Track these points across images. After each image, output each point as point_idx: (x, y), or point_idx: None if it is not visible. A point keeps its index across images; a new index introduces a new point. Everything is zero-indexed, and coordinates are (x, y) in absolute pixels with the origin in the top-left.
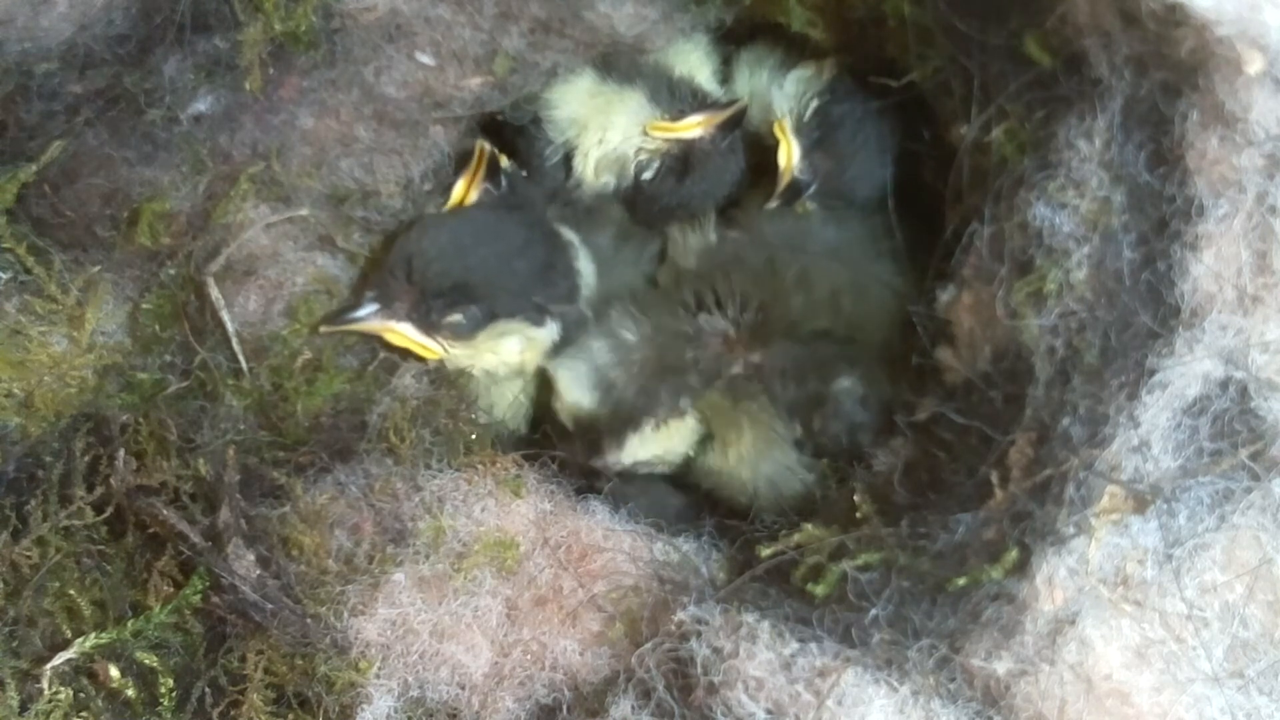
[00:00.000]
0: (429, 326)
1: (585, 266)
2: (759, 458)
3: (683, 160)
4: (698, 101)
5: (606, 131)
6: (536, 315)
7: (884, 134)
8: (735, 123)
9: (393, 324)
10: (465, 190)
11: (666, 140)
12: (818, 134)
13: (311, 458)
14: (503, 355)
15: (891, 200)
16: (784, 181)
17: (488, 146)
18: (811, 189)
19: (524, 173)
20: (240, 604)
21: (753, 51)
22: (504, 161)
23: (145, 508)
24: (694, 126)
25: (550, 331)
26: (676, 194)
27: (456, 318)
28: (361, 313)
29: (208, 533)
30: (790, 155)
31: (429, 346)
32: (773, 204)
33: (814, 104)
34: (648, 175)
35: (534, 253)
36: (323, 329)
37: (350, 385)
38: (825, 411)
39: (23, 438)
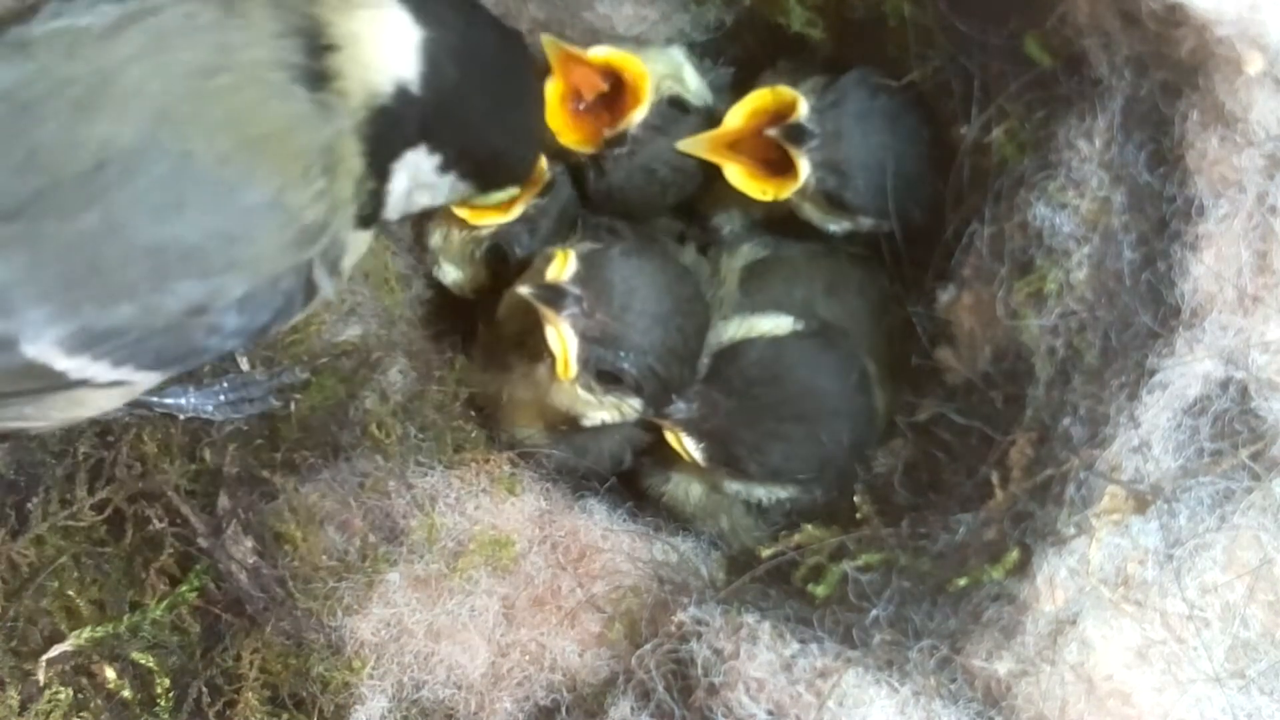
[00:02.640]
0: (586, 365)
1: None
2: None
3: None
4: None
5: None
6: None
7: (900, 133)
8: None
9: (570, 334)
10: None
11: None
12: (831, 100)
13: (303, 455)
14: (603, 413)
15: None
16: (786, 123)
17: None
18: (815, 141)
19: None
20: (235, 591)
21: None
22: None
23: (153, 489)
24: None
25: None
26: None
27: (625, 396)
28: (562, 302)
29: (208, 523)
30: (799, 105)
31: (572, 370)
32: (772, 132)
33: (829, 89)
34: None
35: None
36: (521, 290)
37: (345, 384)
38: None
39: (25, 438)
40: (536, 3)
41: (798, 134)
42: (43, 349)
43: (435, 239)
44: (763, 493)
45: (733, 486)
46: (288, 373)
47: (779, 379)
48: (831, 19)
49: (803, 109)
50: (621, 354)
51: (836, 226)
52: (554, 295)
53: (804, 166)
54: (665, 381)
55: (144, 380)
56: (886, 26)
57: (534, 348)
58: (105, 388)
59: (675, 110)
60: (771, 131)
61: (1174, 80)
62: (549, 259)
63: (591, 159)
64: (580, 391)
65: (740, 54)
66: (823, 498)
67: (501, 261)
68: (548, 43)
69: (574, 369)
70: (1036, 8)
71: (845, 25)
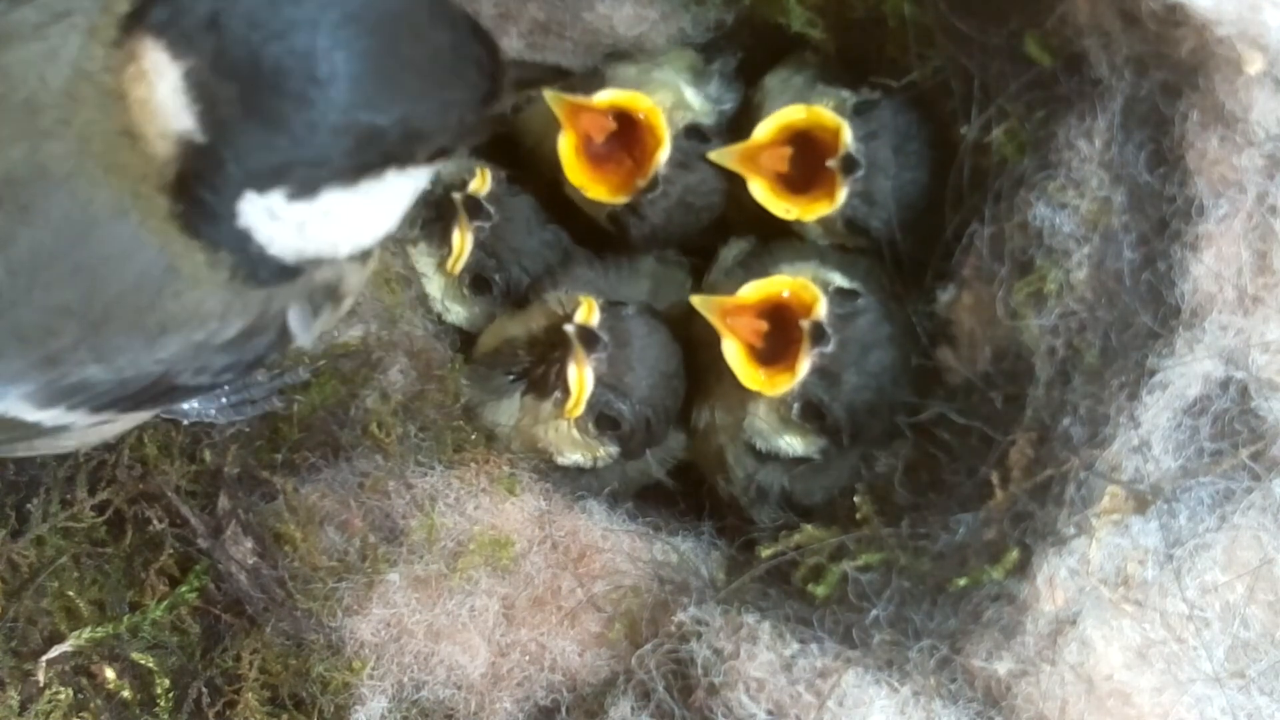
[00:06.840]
0: (592, 408)
1: None
2: None
3: None
4: None
5: None
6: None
7: (926, 167)
8: None
9: (590, 376)
10: (462, 242)
11: None
12: (871, 129)
13: (303, 455)
14: (577, 454)
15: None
16: (840, 154)
17: (457, 196)
18: (860, 172)
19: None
20: (235, 592)
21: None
22: (485, 183)
23: (153, 490)
24: None
25: None
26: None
27: (608, 443)
28: (596, 346)
29: (207, 523)
30: (843, 134)
31: (581, 409)
32: (831, 163)
33: (861, 113)
34: None
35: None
36: (566, 327)
37: (346, 384)
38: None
39: None
40: (537, 3)
41: (850, 165)
42: (11, 404)
43: (431, 287)
44: (786, 443)
45: (758, 425)
46: (289, 373)
47: (889, 342)
48: (831, 19)
49: (847, 138)
50: (625, 402)
51: (825, 242)
52: (590, 337)
53: (843, 194)
54: (652, 433)
55: (133, 418)
56: (886, 26)
57: (539, 381)
58: (96, 425)
59: (694, 141)
60: (832, 163)
61: (1174, 80)
62: (571, 303)
63: (627, 207)
64: (573, 431)
65: (740, 54)
66: (825, 487)
67: (487, 292)
68: (551, 98)
69: (582, 409)
70: (1036, 8)
71: (845, 25)
